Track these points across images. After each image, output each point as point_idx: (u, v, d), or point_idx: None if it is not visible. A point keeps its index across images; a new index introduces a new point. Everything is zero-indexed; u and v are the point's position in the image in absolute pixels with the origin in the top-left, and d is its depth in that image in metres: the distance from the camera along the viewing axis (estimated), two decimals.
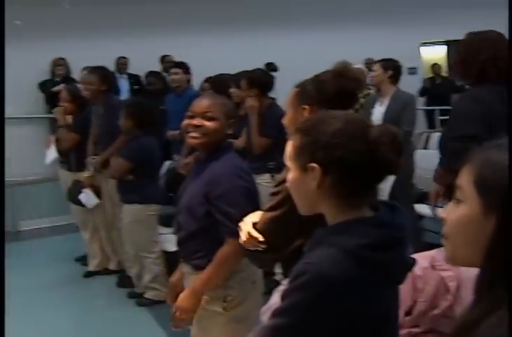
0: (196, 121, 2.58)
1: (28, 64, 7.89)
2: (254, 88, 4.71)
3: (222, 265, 2.54)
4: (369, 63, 7.46)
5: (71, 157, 5.56)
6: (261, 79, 4.77)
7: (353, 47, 8.59)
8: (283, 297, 1.51)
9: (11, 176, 7.63)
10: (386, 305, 1.55)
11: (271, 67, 4.92)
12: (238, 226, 2.26)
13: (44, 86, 7.90)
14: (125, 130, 4.72)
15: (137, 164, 4.61)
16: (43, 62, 8.01)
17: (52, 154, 5.75)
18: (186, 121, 2.62)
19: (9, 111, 7.96)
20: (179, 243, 2.73)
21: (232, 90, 5.10)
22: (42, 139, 6.88)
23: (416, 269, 2.31)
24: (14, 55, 7.84)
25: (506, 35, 3.09)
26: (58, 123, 5.55)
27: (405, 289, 2.22)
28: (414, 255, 1.67)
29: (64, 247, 6.69)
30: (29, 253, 6.76)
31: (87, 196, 5.30)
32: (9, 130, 7.90)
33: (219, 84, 5.34)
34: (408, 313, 2.46)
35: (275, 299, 2.08)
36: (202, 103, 2.63)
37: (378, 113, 5.30)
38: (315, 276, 1.44)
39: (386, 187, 4.30)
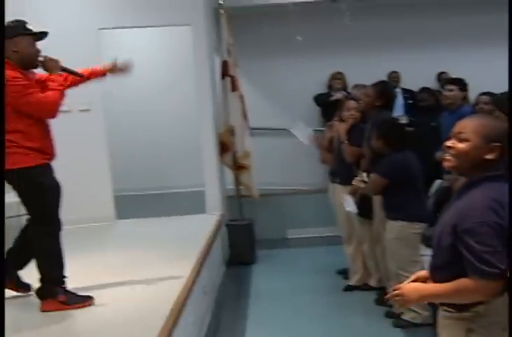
0: (450, 142, 2.42)
1: (307, 78, 8.15)
2: None
3: (456, 294, 2.34)
4: None
5: (352, 170, 5.51)
6: None
7: None
8: None
9: (281, 185, 7.95)
10: None
11: None
12: (484, 265, 2.12)
13: (319, 99, 8.08)
14: (377, 149, 4.71)
15: (392, 180, 4.61)
16: (321, 76, 8.20)
17: None
18: (446, 142, 2.48)
19: (285, 123, 8.31)
20: (430, 270, 2.57)
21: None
22: (313, 151, 7.02)
23: None
24: (294, 69, 8.19)
25: None
26: (340, 138, 5.52)
27: None
28: None
29: (327, 258, 6.77)
30: (294, 260, 6.97)
31: (347, 203, 5.31)
32: (284, 141, 8.27)
33: (501, 103, 5.03)
34: None
35: None
36: (460, 123, 2.45)
37: None
38: None
39: None
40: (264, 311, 5.26)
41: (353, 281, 5.72)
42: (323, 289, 5.77)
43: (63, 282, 3.89)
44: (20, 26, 3.77)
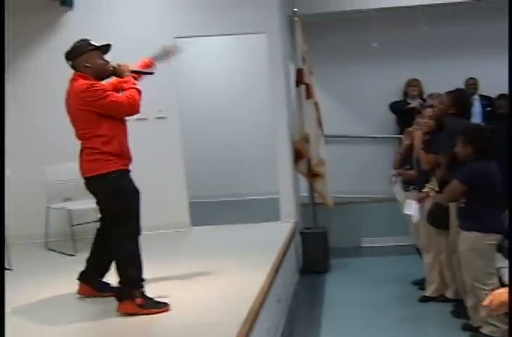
0: None
1: (383, 85, 8.07)
2: None
3: None
4: None
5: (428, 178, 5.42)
6: None
7: None
8: None
9: (356, 193, 7.89)
10: None
11: None
12: None
13: (395, 107, 7.98)
14: (463, 156, 4.59)
15: (471, 187, 4.46)
16: (397, 83, 8.10)
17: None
18: None
19: (361, 131, 8.25)
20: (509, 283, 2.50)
21: None
22: (386, 158, 6.95)
23: None
24: (370, 75, 8.12)
25: None
26: (415, 145, 5.47)
27: None
28: None
29: (402, 268, 6.67)
30: (368, 269, 6.91)
31: (408, 207, 5.23)
32: (359, 149, 8.21)
33: None
34: None
35: None
36: None
37: None
38: None
39: None
40: (337, 320, 5.21)
41: (429, 291, 5.61)
42: (398, 299, 5.68)
43: (141, 285, 3.98)
44: (85, 43, 4.10)
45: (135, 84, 4.09)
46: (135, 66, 4.29)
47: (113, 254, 4.01)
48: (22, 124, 6.79)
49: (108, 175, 3.93)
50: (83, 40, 4.11)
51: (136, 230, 4.00)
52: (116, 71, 4.13)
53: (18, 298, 4.44)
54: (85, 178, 4.02)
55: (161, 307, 3.94)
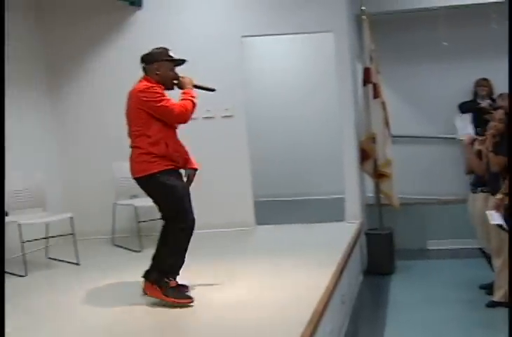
0: None
1: (452, 85, 7.91)
2: None
3: None
4: None
5: (497, 180, 5.30)
6: None
7: None
8: None
9: (422, 194, 7.77)
10: None
11: None
12: None
13: (464, 107, 7.82)
14: None
15: None
16: (467, 82, 7.93)
17: None
18: None
19: (429, 131, 8.11)
20: None
21: None
22: (453, 159, 6.82)
23: None
24: (438, 75, 7.98)
25: None
26: (485, 148, 5.36)
27: None
28: None
29: (468, 272, 6.54)
30: (433, 272, 6.79)
31: (493, 218, 5.10)
32: (426, 149, 8.08)
33: None
34: None
35: None
36: None
37: None
38: None
39: None
40: (401, 323, 5.13)
41: (497, 296, 5.46)
42: (464, 304, 5.56)
43: (174, 276, 4.09)
44: (164, 53, 4.23)
45: (193, 97, 4.19)
46: (197, 80, 4.34)
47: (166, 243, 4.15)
48: (91, 123, 6.95)
49: (154, 176, 4.06)
50: (163, 48, 4.24)
51: (189, 225, 4.09)
52: (179, 83, 4.24)
53: (84, 292, 4.56)
54: (135, 179, 4.18)
55: (183, 298, 4.03)
